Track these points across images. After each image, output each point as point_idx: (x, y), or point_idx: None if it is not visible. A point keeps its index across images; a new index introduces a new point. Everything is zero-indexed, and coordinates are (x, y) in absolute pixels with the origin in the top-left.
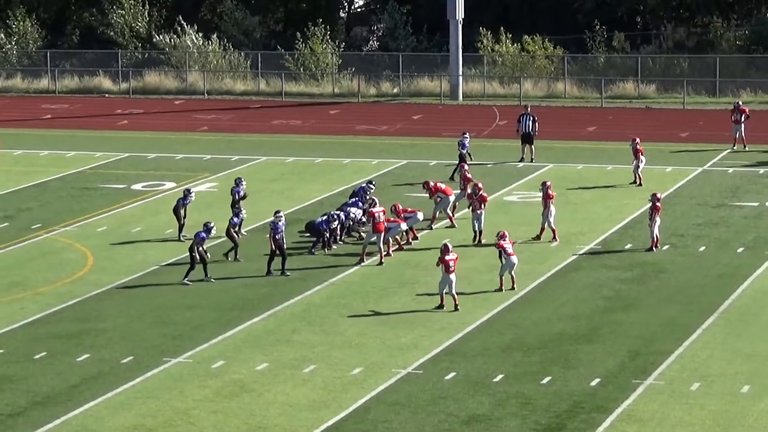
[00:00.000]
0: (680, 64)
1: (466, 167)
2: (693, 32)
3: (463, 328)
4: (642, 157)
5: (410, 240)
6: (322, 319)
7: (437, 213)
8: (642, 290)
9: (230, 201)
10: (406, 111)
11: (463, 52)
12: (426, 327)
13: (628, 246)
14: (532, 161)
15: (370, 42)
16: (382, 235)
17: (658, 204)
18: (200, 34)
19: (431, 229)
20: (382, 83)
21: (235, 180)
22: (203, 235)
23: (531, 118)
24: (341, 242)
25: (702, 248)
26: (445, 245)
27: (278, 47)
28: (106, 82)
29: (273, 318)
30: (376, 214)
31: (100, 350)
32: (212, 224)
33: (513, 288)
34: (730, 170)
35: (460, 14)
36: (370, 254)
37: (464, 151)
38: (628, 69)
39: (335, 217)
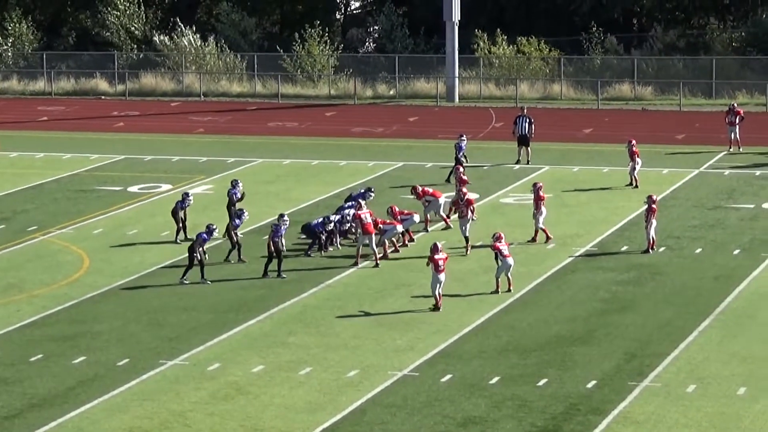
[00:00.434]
0: (675, 65)
1: (462, 169)
2: (688, 34)
3: (459, 330)
4: (638, 159)
5: (406, 242)
6: (318, 321)
7: (429, 216)
8: (638, 292)
9: (226, 203)
10: (402, 113)
11: (459, 54)
12: (422, 329)
13: (625, 248)
14: (528, 163)
15: (367, 44)
16: (374, 237)
17: (654, 206)
18: (197, 35)
19: (427, 231)
20: (378, 85)
21: (231, 182)
22: (205, 236)
23: (527, 120)
24: (338, 247)
25: (698, 250)
26: (435, 244)
27: (277, 48)
28: (102, 84)
29: (269, 320)
30: (363, 216)
31: (96, 352)
32: (215, 226)
33: (509, 290)
34: (726, 172)
35: (456, 16)
36: (365, 256)
37: (460, 155)
38: (624, 71)
39: (331, 219)
